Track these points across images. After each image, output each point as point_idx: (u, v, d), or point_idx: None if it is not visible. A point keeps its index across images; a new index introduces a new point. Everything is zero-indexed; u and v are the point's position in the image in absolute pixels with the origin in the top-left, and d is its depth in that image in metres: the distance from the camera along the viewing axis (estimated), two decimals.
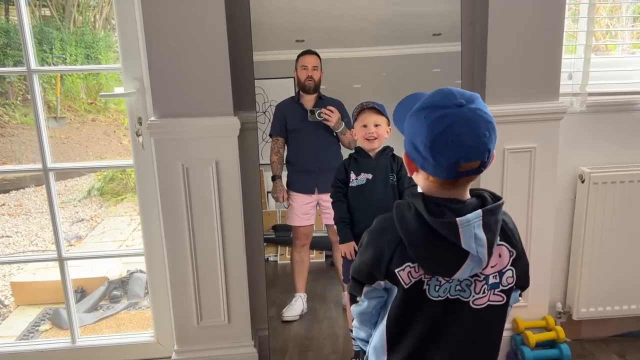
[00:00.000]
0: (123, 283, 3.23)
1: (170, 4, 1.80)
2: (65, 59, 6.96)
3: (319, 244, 2.16)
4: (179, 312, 2.04)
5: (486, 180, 2.02)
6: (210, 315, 2.05)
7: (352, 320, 1.24)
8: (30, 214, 5.15)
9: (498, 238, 1.04)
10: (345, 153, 2.02)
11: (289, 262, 2.16)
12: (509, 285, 1.08)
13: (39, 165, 2.09)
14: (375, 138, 1.87)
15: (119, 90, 2.03)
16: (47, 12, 7.46)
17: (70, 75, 7.13)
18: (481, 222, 0.99)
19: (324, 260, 2.22)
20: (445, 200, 1.03)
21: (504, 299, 1.08)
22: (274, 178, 2.08)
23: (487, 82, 1.96)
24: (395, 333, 1.11)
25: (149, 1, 1.79)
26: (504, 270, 1.07)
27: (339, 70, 2.05)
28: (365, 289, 1.13)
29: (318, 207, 2.11)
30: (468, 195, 1.06)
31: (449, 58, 2.02)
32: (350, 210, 1.91)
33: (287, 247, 2.17)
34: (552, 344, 2.12)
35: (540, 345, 2.11)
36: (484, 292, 1.06)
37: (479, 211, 0.99)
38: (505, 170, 2.02)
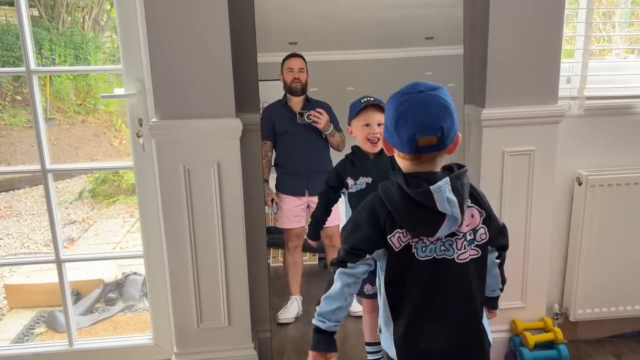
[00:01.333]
0: (118, 285, 3.21)
1: (173, 4, 1.79)
2: (55, 59, 6.90)
3: (311, 247, 2.16)
4: (178, 314, 2.03)
5: (485, 182, 2.04)
6: (210, 317, 2.04)
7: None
8: (21, 216, 5.09)
9: (468, 200, 1.24)
10: (334, 155, 2.01)
11: (282, 264, 2.16)
12: (483, 241, 1.27)
13: (37, 167, 2.07)
14: (379, 139, 1.72)
15: (119, 91, 2.02)
16: (36, 13, 7.39)
17: (58, 76, 7.07)
18: (450, 186, 1.17)
19: (317, 262, 2.22)
20: (420, 173, 1.22)
21: (479, 253, 1.28)
22: None
23: (487, 86, 1.98)
24: (394, 297, 1.28)
25: (151, 1, 1.79)
26: (477, 228, 1.27)
27: (332, 73, 2.05)
28: (366, 257, 1.26)
29: (308, 209, 2.11)
30: (439, 170, 1.25)
31: (441, 61, 2.03)
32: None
33: (279, 250, 2.16)
34: (550, 345, 2.14)
35: (539, 346, 2.12)
36: (464, 248, 1.25)
37: (447, 178, 1.18)
38: (504, 173, 2.04)
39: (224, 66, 1.85)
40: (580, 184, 2.20)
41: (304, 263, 2.17)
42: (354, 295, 1.33)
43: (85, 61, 7.20)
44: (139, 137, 2.01)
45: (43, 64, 6.71)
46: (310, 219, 1.96)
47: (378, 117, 1.72)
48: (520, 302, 2.17)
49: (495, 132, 2.01)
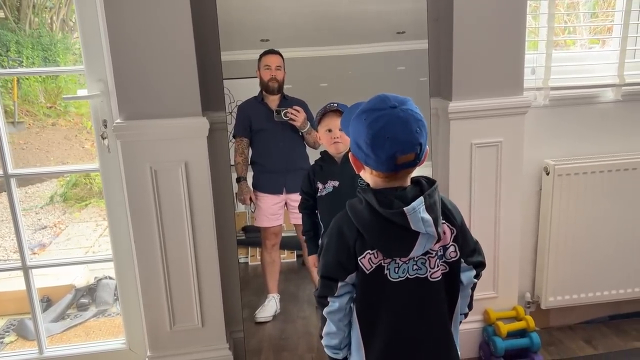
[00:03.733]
0: (90, 290, 3.15)
1: (134, 2, 1.76)
2: (22, 62, 6.74)
3: (289, 244, 2.15)
4: (150, 318, 2.01)
5: (454, 175, 2.06)
6: (183, 320, 2.03)
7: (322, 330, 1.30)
8: None
9: (441, 217, 1.19)
10: (311, 152, 2.00)
11: (260, 263, 2.15)
12: (452, 259, 1.23)
13: None
14: (341, 143, 1.79)
15: (82, 92, 1.98)
16: (1, 14, 7.21)
17: (27, 79, 6.91)
18: (424, 206, 1.13)
19: (295, 260, 2.21)
20: (390, 189, 1.17)
21: (447, 269, 1.24)
22: (239, 180, 2.04)
23: (453, 79, 1.99)
24: (367, 322, 1.23)
25: (111, 0, 1.76)
26: (447, 246, 1.22)
27: (305, 70, 2.04)
28: (339, 284, 1.21)
29: (286, 207, 2.10)
30: (409, 183, 1.20)
31: (413, 56, 2.04)
32: (322, 220, 1.86)
33: (257, 249, 2.15)
34: (522, 333, 2.17)
35: (511, 334, 2.15)
36: (437, 266, 1.21)
37: (421, 198, 1.14)
38: (472, 165, 2.06)
39: (188, 64, 1.83)
40: (547, 174, 2.22)
41: (282, 261, 2.16)
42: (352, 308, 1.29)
43: (54, 62, 7.04)
44: (103, 138, 1.97)
45: (10, 67, 6.55)
46: (304, 237, 1.93)
47: (338, 122, 1.74)
48: (493, 292, 2.19)
49: (462, 124, 2.02)
